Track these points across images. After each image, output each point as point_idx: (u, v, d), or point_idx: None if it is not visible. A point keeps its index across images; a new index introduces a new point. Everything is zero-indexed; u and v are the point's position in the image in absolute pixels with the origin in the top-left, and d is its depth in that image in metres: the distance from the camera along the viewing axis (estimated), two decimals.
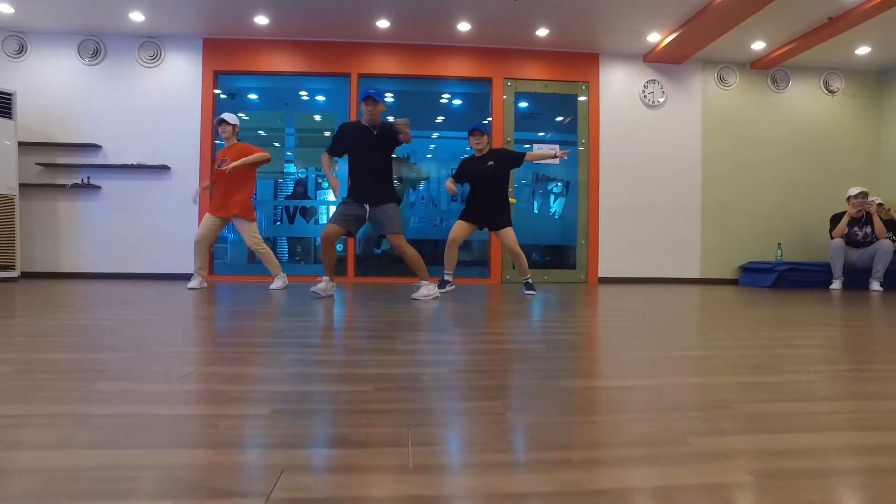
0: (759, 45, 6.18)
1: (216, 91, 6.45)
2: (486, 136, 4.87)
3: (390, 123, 4.07)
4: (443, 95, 7.20)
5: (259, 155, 4.81)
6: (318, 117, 7.00)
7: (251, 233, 4.86)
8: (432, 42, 6.39)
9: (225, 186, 4.84)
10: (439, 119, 7.60)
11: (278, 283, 4.90)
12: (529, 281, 4.81)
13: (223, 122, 4.86)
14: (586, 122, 6.64)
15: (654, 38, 6.11)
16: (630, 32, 6.04)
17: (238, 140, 4.94)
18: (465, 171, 4.80)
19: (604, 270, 6.64)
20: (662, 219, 6.69)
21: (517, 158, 4.83)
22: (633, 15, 5.62)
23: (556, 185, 6.99)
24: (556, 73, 6.59)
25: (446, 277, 4.78)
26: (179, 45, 6.27)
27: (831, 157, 6.87)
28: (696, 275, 6.74)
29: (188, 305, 3.50)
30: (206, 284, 4.95)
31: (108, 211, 6.20)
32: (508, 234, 4.83)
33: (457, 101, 7.41)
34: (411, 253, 4.08)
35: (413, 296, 4.07)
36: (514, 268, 4.86)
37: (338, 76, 6.44)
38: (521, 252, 4.77)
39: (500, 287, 5.87)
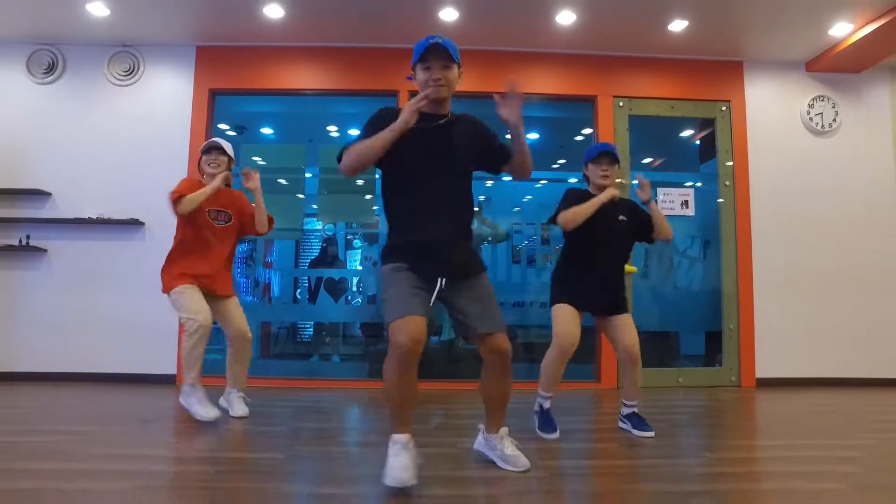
0: None
1: (222, 126, 4.72)
2: (616, 167, 2.96)
3: (477, 120, 2.26)
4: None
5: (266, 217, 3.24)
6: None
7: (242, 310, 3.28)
8: (513, 48, 4.57)
9: (217, 255, 3.16)
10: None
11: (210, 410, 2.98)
12: (637, 411, 2.90)
13: (219, 149, 3.11)
14: (729, 156, 4.68)
15: (839, 31, 4.18)
16: (799, 26, 4.15)
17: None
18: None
19: (764, 368, 4.52)
20: (846, 292, 4.59)
21: (649, 228, 2.97)
22: (805, 3, 3.76)
23: (690, 247, 4.97)
24: (686, 88, 4.69)
25: (547, 401, 2.89)
26: (164, 56, 4.56)
27: None
28: None
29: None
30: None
31: (56, 284, 4.37)
32: (629, 324, 2.87)
33: (533, 135, 5.55)
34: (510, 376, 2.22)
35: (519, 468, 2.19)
36: (619, 385, 2.91)
37: (381, 95, 4.60)
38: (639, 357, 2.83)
39: (614, 395, 3.80)
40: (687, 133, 5.11)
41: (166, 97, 4.55)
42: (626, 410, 2.91)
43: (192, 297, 2.99)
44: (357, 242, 6.11)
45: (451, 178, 2.15)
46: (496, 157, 2.23)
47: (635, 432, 2.82)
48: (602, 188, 2.91)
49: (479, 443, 2.34)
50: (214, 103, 4.65)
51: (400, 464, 1.96)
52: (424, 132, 2.08)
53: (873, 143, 4.73)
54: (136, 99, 4.53)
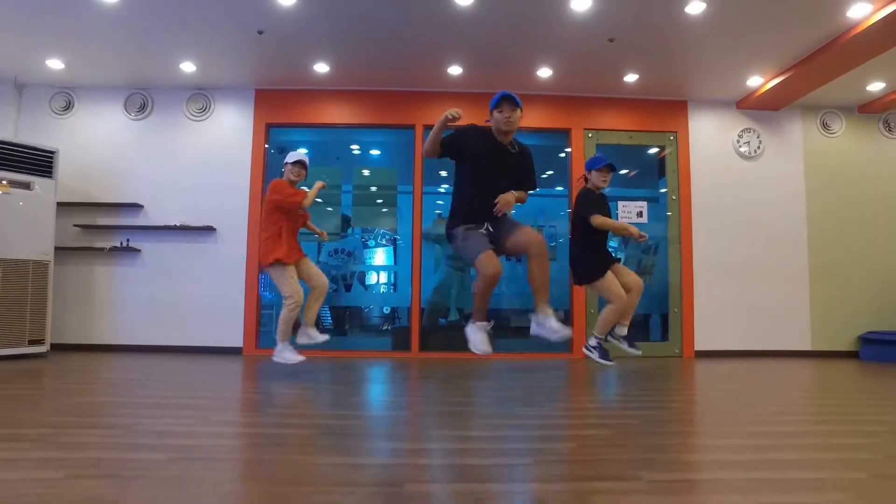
0: (876, 87, 5.47)
1: (266, 146, 5.94)
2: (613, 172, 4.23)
3: (529, 152, 3.35)
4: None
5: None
6: (366, 172, 6.41)
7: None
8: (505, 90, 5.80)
9: (297, 229, 4.31)
10: None
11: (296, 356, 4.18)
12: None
13: (303, 164, 4.22)
14: (675, 176, 5.94)
15: (754, 82, 5.45)
16: (725, 78, 5.40)
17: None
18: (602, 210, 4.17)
19: (701, 343, 5.78)
20: (765, 283, 5.85)
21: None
22: (732, 59, 4.99)
23: (643, 245, 6.22)
24: (641, 122, 5.95)
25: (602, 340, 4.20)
26: (230, 97, 5.81)
27: None
28: (806, 346, 5.83)
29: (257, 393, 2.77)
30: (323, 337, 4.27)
31: (148, 276, 5.61)
32: (627, 269, 4.38)
33: None
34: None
35: (553, 333, 3.07)
36: (609, 323, 4.15)
37: (401, 128, 5.88)
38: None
39: (585, 366, 5.04)
40: (648, 154, 6.32)
41: (232, 130, 5.79)
42: (622, 331, 4.17)
43: (293, 278, 4.10)
44: (372, 242, 7.34)
45: (503, 186, 3.20)
46: (524, 184, 3.36)
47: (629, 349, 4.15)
48: (599, 189, 4.19)
49: (532, 327, 3.14)
50: (269, 133, 5.90)
51: (482, 338, 3.13)
52: (498, 156, 3.19)
53: (788, 166, 5.99)
54: (208, 131, 5.77)
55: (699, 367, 5.06)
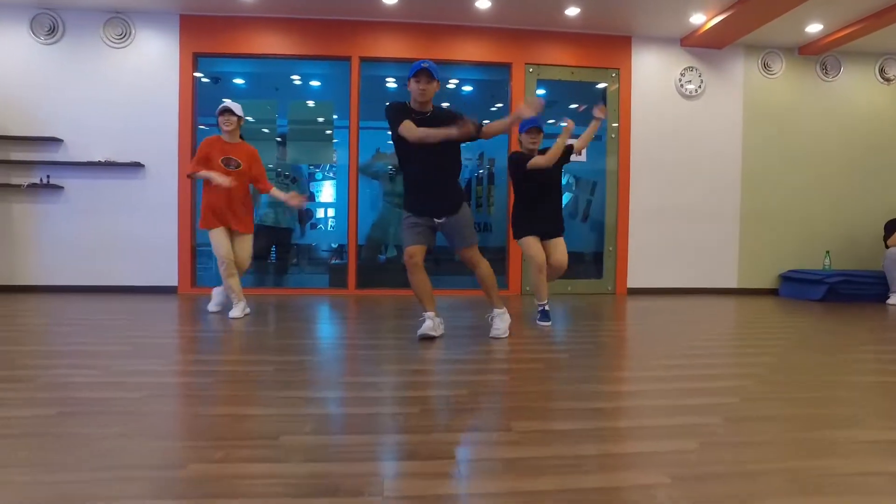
0: (814, 28, 5.45)
1: (197, 74, 5.60)
2: (542, 133, 3.98)
3: (452, 112, 3.21)
4: (451, 82, 6.42)
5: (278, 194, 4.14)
6: (311, 103, 6.16)
7: (250, 247, 4.16)
8: (444, 21, 5.58)
9: (232, 193, 3.97)
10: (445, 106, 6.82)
11: (237, 311, 4.06)
12: (546, 308, 3.98)
13: (228, 111, 3.97)
14: (616, 114, 5.91)
15: (697, 19, 5.36)
16: (669, 13, 5.29)
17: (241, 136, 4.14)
18: (524, 172, 3.89)
19: (633, 280, 5.97)
20: (697, 222, 6.01)
21: (568, 149, 3.96)
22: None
23: (582, 184, 6.26)
24: (584, 58, 5.83)
25: (546, 308, 3.96)
26: (152, 23, 5.41)
27: (886, 154, 6.20)
28: (732, 284, 6.10)
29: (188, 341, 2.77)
30: (248, 311, 4.18)
31: (72, 215, 5.38)
32: (562, 243, 4.04)
33: (467, 88, 6.64)
34: (486, 268, 3.40)
35: (492, 334, 3.39)
36: (533, 287, 4.04)
37: (337, 59, 5.62)
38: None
39: (521, 302, 5.18)
40: (591, 90, 6.22)
41: (156, 58, 5.43)
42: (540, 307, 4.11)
43: (219, 240, 3.97)
44: (319, 175, 7.18)
45: (437, 154, 3.13)
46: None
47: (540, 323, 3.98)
48: (532, 152, 3.92)
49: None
50: (197, 64, 5.57)
51: (427, 325, 3.25)
52: (419, 124, 3.08)
53: (728, 107, 6.01)
54: (130, 59, 5.40)
55: (637, 306, 5.24)
